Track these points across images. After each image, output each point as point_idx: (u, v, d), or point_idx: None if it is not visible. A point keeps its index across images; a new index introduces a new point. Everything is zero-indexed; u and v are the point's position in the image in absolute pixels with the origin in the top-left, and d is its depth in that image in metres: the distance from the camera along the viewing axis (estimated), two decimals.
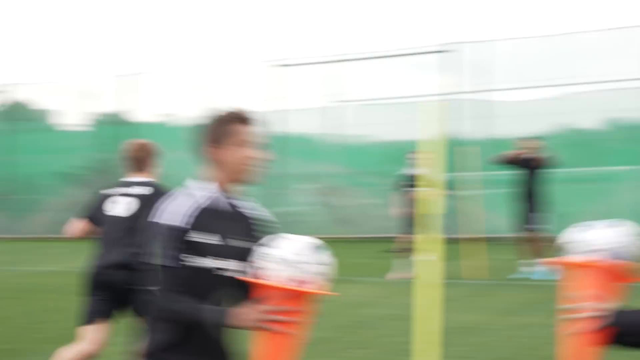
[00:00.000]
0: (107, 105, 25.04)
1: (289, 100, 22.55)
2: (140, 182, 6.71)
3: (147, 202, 6.34)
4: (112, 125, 24.10)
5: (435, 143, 3.76)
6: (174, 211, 3.33)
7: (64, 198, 23.73)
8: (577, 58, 20.49)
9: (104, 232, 6.53)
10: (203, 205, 3.39)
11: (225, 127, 3.44)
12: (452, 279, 12.88)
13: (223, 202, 3.45)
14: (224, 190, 3.46)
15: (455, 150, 19.42)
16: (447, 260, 15.22)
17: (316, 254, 3.25)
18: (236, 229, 3.45)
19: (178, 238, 3.29)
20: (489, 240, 14.78)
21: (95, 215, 6.66)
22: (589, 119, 20.51)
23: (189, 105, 24.43)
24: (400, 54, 21.63)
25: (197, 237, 3.32)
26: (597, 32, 19.83)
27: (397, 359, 7.71)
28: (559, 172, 13.27)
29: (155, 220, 3.35)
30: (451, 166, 19.58)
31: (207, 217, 3.37)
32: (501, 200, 19.15)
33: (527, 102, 21.87)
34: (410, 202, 13.04)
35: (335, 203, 21.43)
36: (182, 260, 3.30)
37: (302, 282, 3.20)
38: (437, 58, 20.37)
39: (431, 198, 3.85)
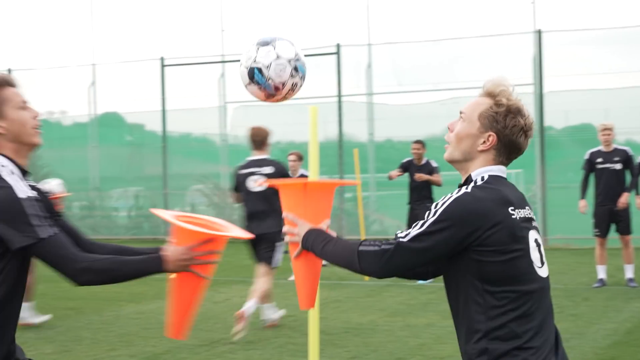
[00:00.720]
0: None
1: (175, 100, 22.30)
2: (264, 159, 8.92)
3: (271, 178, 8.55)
4: None
5: (314, 145, 3.79)
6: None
7: None
8: (462, 63, 20.98)
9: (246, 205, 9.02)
10: None
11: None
12: (341, 280, 12.99)
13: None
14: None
15: (345, 152, 19.63)
16: None
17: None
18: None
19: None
20: None
21: (239, 189, 9.08)
22: None
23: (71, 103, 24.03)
24: None
25: None
26: (483, 37, 20.32)
27: None
28: (444, 175, 13.52)
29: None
30: (343, 168, 19.86)
31: None
32: (392, 201, 19.44)
33: (413, 105, 22.24)
34: None
35: (226, 204, 21.31)
36: None
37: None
38: (331, 60, 20.47)
39: None
